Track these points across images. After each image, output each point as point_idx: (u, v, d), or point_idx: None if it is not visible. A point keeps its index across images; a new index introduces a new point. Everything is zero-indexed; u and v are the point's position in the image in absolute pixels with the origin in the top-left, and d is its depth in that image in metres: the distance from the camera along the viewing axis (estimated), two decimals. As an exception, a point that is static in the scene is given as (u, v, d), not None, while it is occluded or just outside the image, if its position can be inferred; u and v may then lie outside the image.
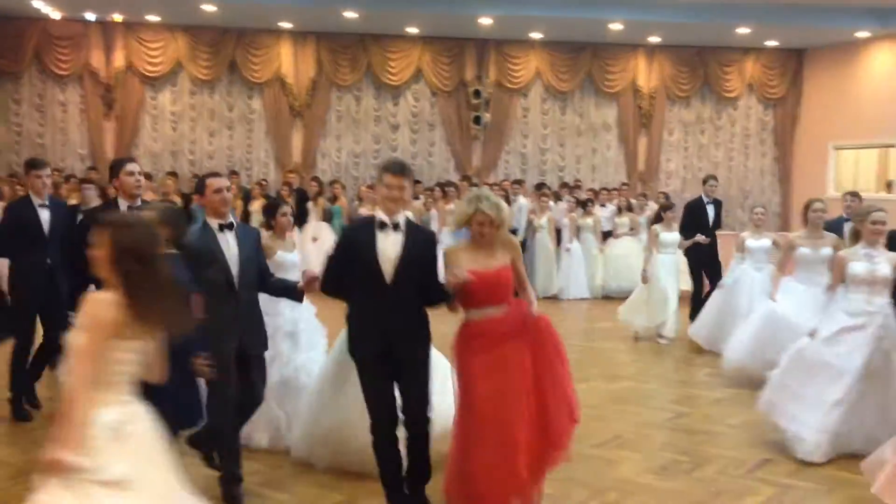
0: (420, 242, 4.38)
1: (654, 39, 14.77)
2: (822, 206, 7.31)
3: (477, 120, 14.88)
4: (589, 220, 13.62)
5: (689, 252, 9.93)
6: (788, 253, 7.30)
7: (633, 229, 13.70)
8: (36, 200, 6.24)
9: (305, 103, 14.67)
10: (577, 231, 13.55)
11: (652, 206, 13.99)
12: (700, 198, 10.39)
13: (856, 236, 5.86)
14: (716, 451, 5.84)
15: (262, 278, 4.75)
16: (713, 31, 14.15)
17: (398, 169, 4.36)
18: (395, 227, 4.31)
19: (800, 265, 7.21)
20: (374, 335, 4.32)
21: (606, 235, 13.75)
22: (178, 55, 14.37)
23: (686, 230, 9.83)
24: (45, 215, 6.22)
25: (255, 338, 4.71)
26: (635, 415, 6.69)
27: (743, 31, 13.87)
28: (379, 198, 4.49)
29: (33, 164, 6.35)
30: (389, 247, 4.28)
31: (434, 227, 13.19)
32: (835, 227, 7.83)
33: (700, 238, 9.63)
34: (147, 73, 14.35)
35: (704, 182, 10.62)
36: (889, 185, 14.35)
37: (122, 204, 5.67)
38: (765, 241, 8.73)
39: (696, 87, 15.43)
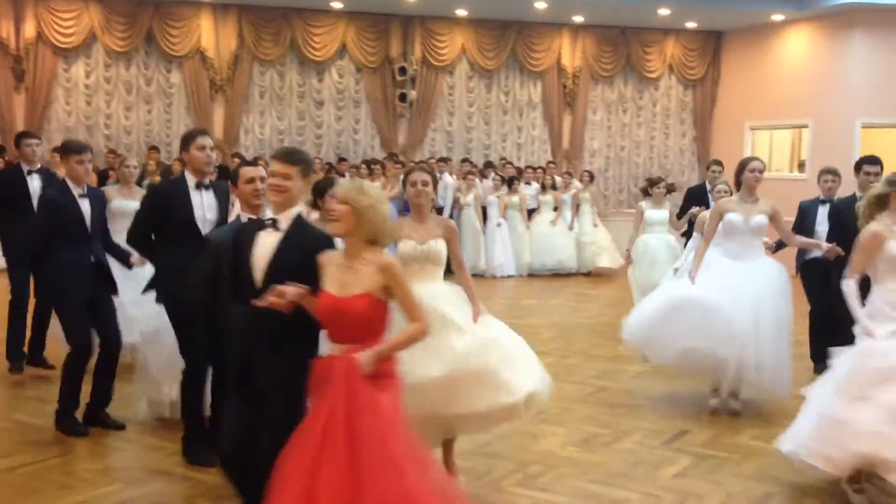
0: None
1: (578, 19, 14.90)
2: (760, 165, 6.48)
3: (403, 97, 14.79)
4: (515, 198, 13.74)
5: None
6: (715, 220, 6.27)
7: (556, 208, 13.88)
8: (75, 190, 5.53)
9: (227, 78, 14.34)
10: (504, 209, 13.66)
11: (576, 185, 14.21)
12: (703, 185, 9.25)
13: (881, 205, 4.71)
14: (635, 423, 5.98)
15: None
16: (635, 12, 14.35)
17: (282, 154, 3.73)
18: (275, 224, 3.65)
19: (728, 235, 6.23)
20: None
21: (531, 213, 13.89)
22: (92, 26, 13.85)
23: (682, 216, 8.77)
24: (85, 206, 5.52)
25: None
26: (558, 389, 6.69)
27: (664, 12, 14.10)
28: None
29: (76, 149, 5.59)
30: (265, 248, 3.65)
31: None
32: (811, 210, 7.47)
33: (695, 210, 8.13)
34: (59, 45, 13.79)
35: (708, 168, 9.56)
36: (801, 165, 14.83)
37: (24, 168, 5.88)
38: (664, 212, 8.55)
39: (619, 66, 15.65)
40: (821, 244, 6.50)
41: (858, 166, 7.14)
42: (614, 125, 15.89)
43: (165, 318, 5.05)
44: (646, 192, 8.87)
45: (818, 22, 14.02)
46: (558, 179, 14.36)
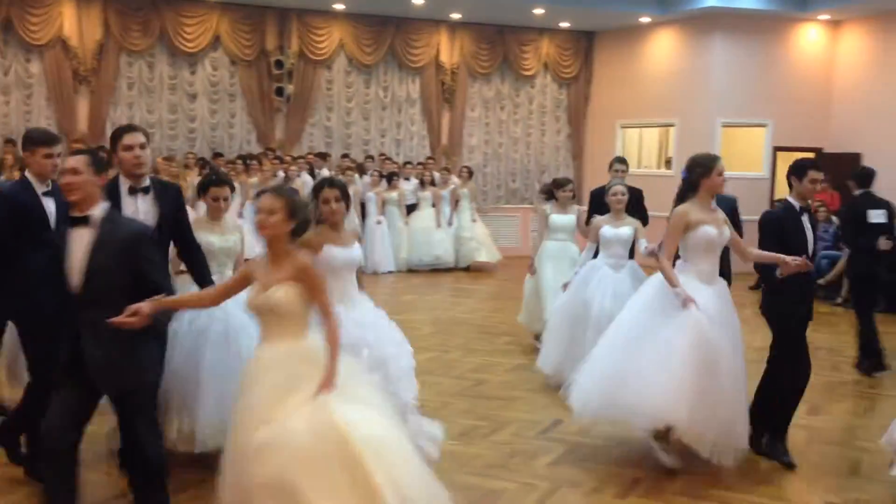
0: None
1: (456, 16, 15.02)
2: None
3: (279, 91, 14.51)
4: (394, 194, 13.74)
5: None
6: (679, 231, 5.22)
7: (434, 204, 13.97)
8: (39, 187, 4.61)
9: (91, 68, 13.67)
10: (382, 205, 13.64)
11: (455, 181, 14.34)
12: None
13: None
14: (512, 414, 6.10)
15: None
16: (511, 11, 14.60)
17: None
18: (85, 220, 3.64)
19: (707, 252, 5.19)
20: None
21: (410, 209, 13.93)
22: (-59, 11, 12.93)
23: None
24: (49, 205, 4.59)
25: None
26: (437, 384, 6.84)
27: (538, 11, 14.40)
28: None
29: (43, 140, 4.65)
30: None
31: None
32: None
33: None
34: None
35: (610, 167, 8.29)
36: (668, 162, 15.48)
37: None
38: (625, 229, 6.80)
39: (496, 64, 15.89)
40: (784, 258, 5.04)
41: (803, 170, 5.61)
42: (492, 122, 16.13)
43: None
44: (550, 195, 8.04)
45: (682, 25, 14.66)
46: (437, 175, 14.45)
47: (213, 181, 4.97)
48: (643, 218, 7.44)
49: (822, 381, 7.36)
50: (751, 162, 14.56)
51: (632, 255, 6.82)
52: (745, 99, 14.25)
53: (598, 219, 6.88)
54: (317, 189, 4.49)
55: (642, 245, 6.42)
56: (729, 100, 14.24)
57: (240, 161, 13.26)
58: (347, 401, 3.46)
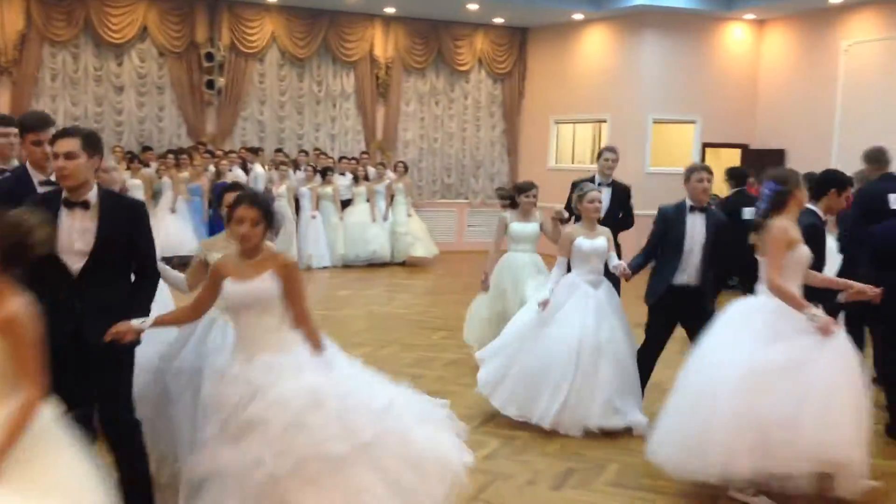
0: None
1: (390, 10, 14.95)
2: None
3: (210, 84, 14.23)
4: (328, 189, 13.63)
5: None
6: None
7: (369, 200, 13.90)
8: (36, 177, 4.22)
9: (13, 59, 13.20)
10: (317, 200, 13.52)
11: (390, 175, 14.29)
12: (593, 178, 7.51)
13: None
14: (448, 409, 6.09)
15: None
16: (445, 6, 14.60)
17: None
18: (84, 205, 3.62)
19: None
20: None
21: (345, 204, 13.83)
22: None
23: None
24: None
25: None
26: (373, 380, 6.80)
27: (472, 6, 14.43)
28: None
29: (31, 125, 4.33)
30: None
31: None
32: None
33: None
34: None
35: (599, 156, 7.71)
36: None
37: None
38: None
39: (431, 59, 15.87)
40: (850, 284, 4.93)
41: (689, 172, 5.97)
42: (427, 117, 16.11)
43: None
44: (511, 202, 7.14)
45: (614, 22, 14.87)
46: (371, 170, 14.38)
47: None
48: (630, 218, 7.13)
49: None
50: (680, 158, 14.82)
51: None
52: (674, 96, 14.54)
53: (569, 230, 6.05)
54: (233, 202, 3.65)
55: (613, 260, 5.90)
56: (659, 96, 14.51)
57: (170, 155, 12.98)
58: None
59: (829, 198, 5.25)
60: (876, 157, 6.87)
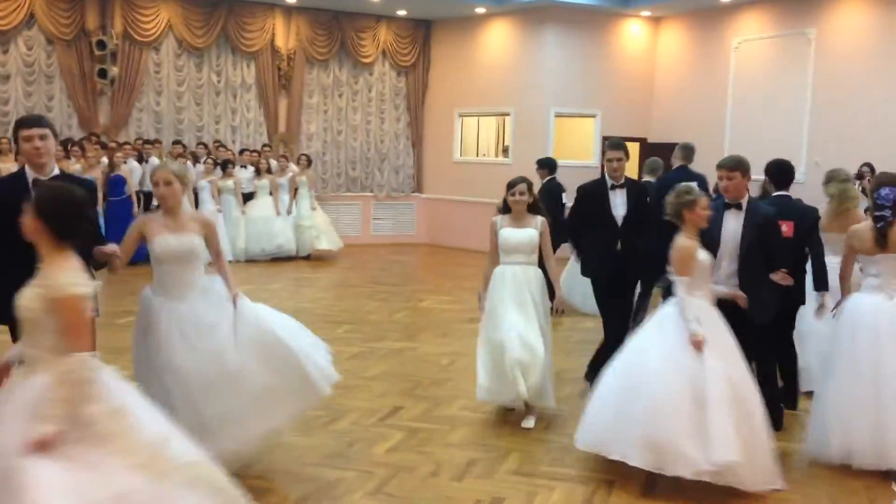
0: None
1: (291, 0, 14.70)
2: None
3: (102, 73, 13.70)
4: (229, 182, 13.33)
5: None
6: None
7: (272, 193, 13.67)
8: (31, 175, 4.19)
9: None
10: (218, 193, 13.21)
11: (293, 168, 14.08)
12: (602, 179, 6.43)
13: None
14: (352, 403, 6.06)
15: None
16: (348, -3, 14.48)
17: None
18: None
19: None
20: None
21: (247, 198, 13.56)
22: None
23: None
24: None
25: None
26: (274, 375, 6.70)
27: (375, -2, 14.35)
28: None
29: (24, 122, 4.29)
30: None
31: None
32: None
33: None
34: None
35: (604, 153, 7.00)
36: (506, 150, 15.86)
37: None
38: None
39: (334, 50, 15.69)
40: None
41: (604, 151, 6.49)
42: (331, 109, 15.93)
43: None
44: (504, 204, 5.84)
45: (516, 16, 15.03)
46: (274, 163, 14.14)
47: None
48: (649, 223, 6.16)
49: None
50: (581, 151, 15.17)
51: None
52: (575, 90, 14.81)
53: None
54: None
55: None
56: (561, 90, 14.75)
57: (59, 147, 12.42)
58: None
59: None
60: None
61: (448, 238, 16.31)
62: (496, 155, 16.58)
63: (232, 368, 4.28)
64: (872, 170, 10.35)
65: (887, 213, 4.96)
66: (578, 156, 14.86)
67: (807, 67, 12.77)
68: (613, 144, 6.33)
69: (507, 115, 15.45)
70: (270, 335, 4.41)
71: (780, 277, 5.18)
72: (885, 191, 5.02)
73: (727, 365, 4.54)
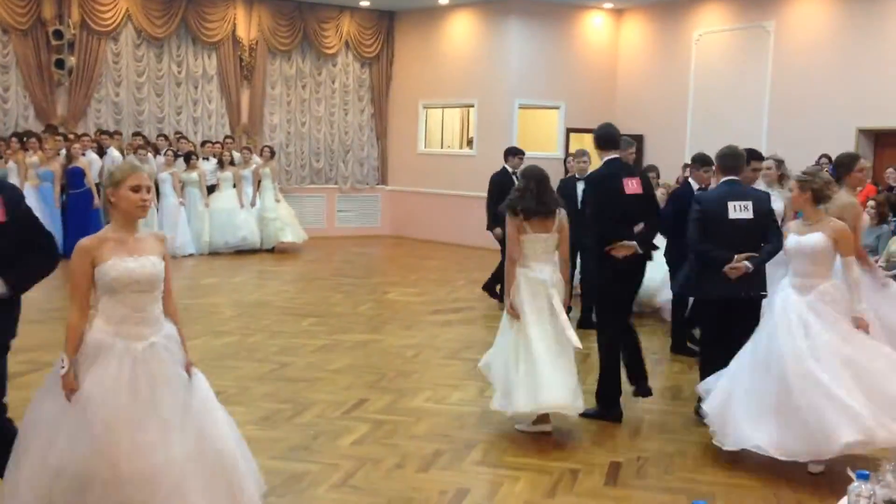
0: None
1: (252, -10, 14.57)
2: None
3: (60, 64, 13.44)
4: (193, 175, 13.17)
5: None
6: None
7: (235, 185, 13.54)
8: None
9: None
10: (181, 186, 13.05)
11: (257, 160, 13.96)
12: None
13: None
14: (316, 396, 6.04)
15: None
16: (310, -13, 14.36)
17: None
18: None
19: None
20: None
21: (209, 190, 13.42)
22: None
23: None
24: None
25: None
26: (238, 369, 6.66)
27: (338, -12, 14.26)
28: None
29: None
30: None
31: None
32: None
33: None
34: None
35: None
36: (470, 142, 15.87)
37: None
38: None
39: (297, 41, 15.55)
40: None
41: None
42: (294, 100, 15.79)
43: None
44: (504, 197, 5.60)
45: (480, 8, 15.03)
46: (237, 155, 14.00)
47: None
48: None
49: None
50: (546, 142, 15.22)
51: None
52: (539, 82, 14.85)
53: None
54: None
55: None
56: (525, 82, 14.78)
57: (14, 140, 12.20)
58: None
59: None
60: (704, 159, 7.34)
61: (413, 230, 16.30)
62: (460, 146, 16.58)
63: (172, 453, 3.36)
64: (830, 162, 10.55)
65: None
66: (542, 147, 14.91)
67: (766, 59, 12.95)
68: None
69: (472, 106, 15.45)
70: (210, 441, 3.48)
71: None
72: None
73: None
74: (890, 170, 10.09)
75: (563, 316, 5.24)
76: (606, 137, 5.88)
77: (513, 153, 9.46)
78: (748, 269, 5.17)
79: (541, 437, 5.31)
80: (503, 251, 8.14)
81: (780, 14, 12.78)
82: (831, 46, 12.14)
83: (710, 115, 13.59)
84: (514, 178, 8.81)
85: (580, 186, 7.25)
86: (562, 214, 5.34)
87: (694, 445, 5.23)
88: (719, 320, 5.41)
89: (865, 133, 11.79)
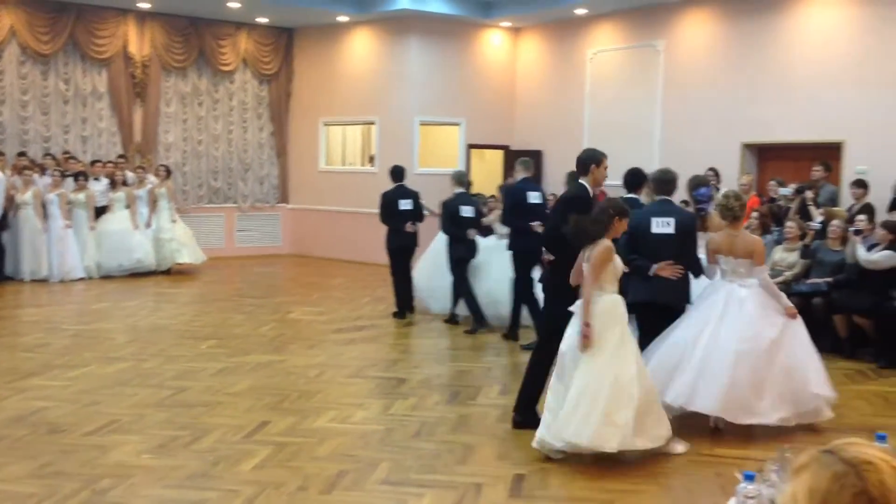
0: None
1: (144, 6, 14.16)
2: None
3: (-63, 81, 12.77)
4: (81, 196, 12.68)
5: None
6: None
7: (129, 206, 13.11)
8: None
9: None
10: (69, 208, 12.54)
11: (152, 179, 13.55)
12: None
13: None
14: (216, 420, 5.87)
15: None
16: (205, 3, 14.06)
17: None
18: None
19: None
20: None
21: (101, 211, 12.95)
22: None
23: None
24: None
25: None
26: (132, 396, 6.41)
27: (234, 5, 14.02)
28: None
29: None
30: None
31: None
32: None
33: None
34: None
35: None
36: (371, 159, 15.84)
37: None
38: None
39: (192, 58, 15.21)
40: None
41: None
42: (190, 118, 15.42)
43: None
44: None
45: (379, 25, 15.05)
46: (130, 175, 13.56)
47: None
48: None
49: (511, 362, 7.96)
50: (447, 159, 15.33)
51: None
52: (440, 98, 14.97)
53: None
54: None
55: None
56: (426, 99, 14.87)
57: None
58: None
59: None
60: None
61: (315, 248, 16.13)
62: (362, 164, 16.53)
63: None
64: (717, 175, 10.99)
65: (705, 206, 6.15)
66: (444, 163, 15.01)
67: (657, 77, 13.41)
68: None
69: (373, 123, 15.43)
70: None
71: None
72: (703, 189, 6.51)
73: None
74: (772, 182, 10.55)
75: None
76: (579, 163, 5.86)
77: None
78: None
79: (445, 452, 5.31)
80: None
81: (670, 34, 13.27)
82: (717, 65, 12.67)
83: (605, 132, 13.96)
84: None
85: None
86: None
87: (594, 454, 5.32)
88: (641, 322, 6.09)
89: (750, 147, 12.33)
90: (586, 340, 4.98)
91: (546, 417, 5.16)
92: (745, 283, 5.79)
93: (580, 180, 5.71)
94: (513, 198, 8.52)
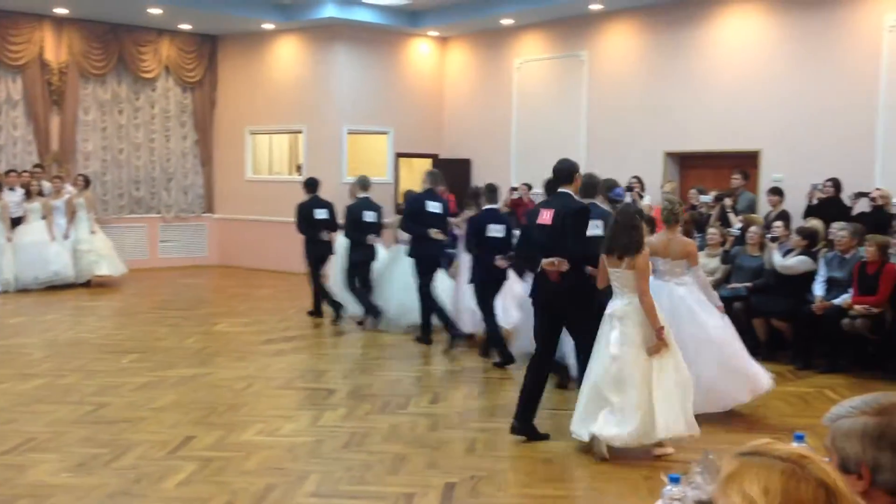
0: None
1: (61, 11, 13.73)
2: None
3: None
4: (-5, 206, 12.21)
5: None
6: None
7: (45, 217, 12.66)
8: None
9: None
10: (-19, 218, 12.06)
11: (70, 189, 13.14)
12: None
13: None
14: (138, 436, 5.70)
15: None
16: (124, 9, 13.71)
17: None
18: None
19: None
20: None
21: (15, 222, 12.48)
22: None
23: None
24: None
25: None
26: (49, 413, 6.18)
27: (155, 11, 13.71)
28: None
29: None
30: None
31: None
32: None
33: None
34: None
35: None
36: (299, 168, 15.67)
37: None
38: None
39: (112, 65, 14.81)
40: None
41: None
42: (110, 126, 15.00)
43: None
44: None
45: (306, 34, 14.91)
46: (47, 185, 13.11)
47: None
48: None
49: (442, 370, 7.96)
50: (376, 167, 15.27)
51: None
52: (368, 107, 14.91)
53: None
54: None
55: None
56: (353, 108, 14.79)
57: None
58: None
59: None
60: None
61: (242, 259, 15.87)
62: (290, 173, 16.34)
63: None
64: (641, 182, 11.22)
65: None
66: (372, 172, 14.89)
67: (582, 87, 13.63)
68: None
69: (300, 132, 15.28)
70: None
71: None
72: (617, 190, 7.40)
73: None
74: (693, 190, 10.81)
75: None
76: (563, 172, 5.91)
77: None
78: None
79: (375, 463, 5.27)
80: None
81: (593, 44, 13.50)
82: (639, 75, 12.95)
83: (532, 140, 14.12)
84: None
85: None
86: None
87: (524, 461, 5.36)
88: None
89: (672, 156, 12.62)
90: (662, 343, 5.30)
91: (609, 419, 5.27)
92: (682, 282, 6.33)
93: (565, 189, 5.84)
94: (412, 206, 9.06)
